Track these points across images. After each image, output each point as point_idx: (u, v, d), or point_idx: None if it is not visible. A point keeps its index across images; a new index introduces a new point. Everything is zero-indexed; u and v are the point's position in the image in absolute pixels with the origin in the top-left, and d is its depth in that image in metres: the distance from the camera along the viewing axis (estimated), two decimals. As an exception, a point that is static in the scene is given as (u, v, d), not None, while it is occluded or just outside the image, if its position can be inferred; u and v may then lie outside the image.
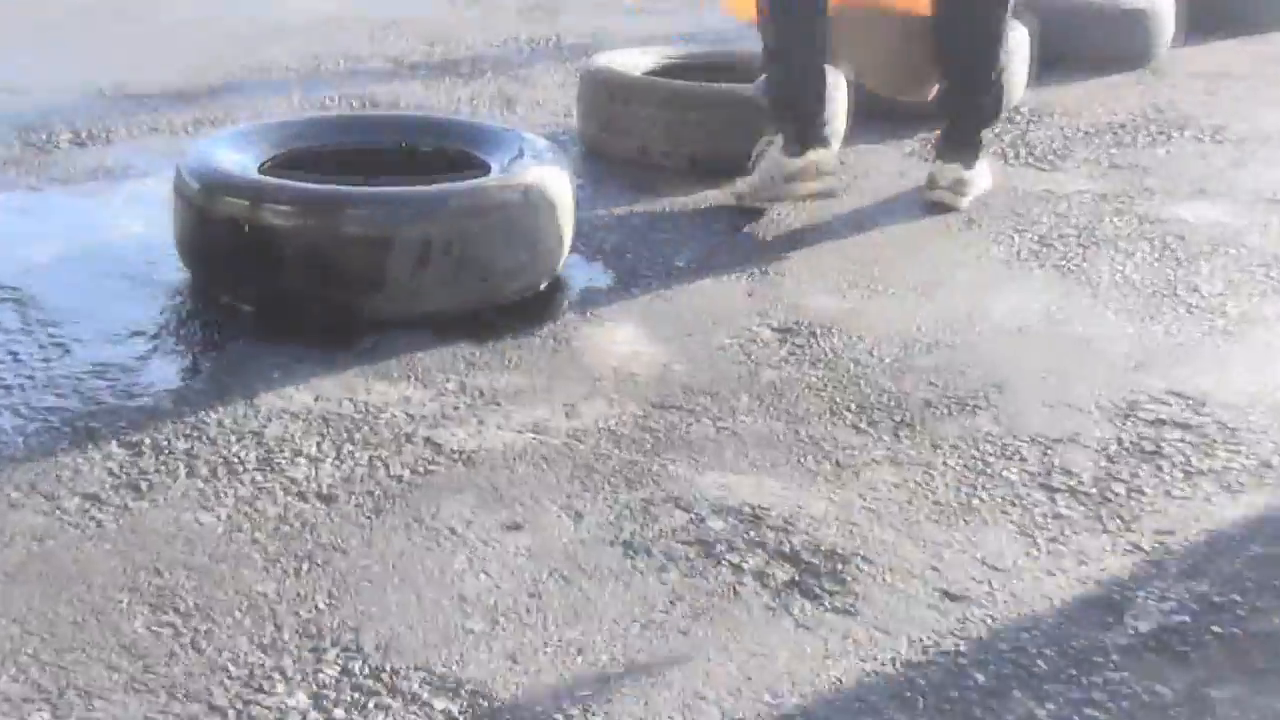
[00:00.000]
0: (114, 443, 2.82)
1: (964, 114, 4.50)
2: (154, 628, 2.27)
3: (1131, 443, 3.02)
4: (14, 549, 2.46)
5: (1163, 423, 3.11)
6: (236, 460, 2.78)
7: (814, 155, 4.38)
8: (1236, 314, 3.72)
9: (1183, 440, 3.04)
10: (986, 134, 4.59)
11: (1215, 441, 3.04)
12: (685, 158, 4.63)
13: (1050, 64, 5.79)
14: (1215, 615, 2.43)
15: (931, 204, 4.47)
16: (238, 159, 3.57)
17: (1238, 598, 2.48)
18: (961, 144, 4.50)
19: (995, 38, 4.38)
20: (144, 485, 2.67)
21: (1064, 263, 4.03)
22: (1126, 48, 6.18)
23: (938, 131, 4.60)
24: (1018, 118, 5.49)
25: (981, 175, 4.55)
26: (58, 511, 2.58)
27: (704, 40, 6.32)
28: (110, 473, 2.71)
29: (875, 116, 5.03)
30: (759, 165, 4.41)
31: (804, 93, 4.36)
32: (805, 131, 4.37)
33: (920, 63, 4.49)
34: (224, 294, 3.49)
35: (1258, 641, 2.37)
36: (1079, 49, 6.12)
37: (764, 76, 4.41)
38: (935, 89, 4.55)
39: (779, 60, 4.33)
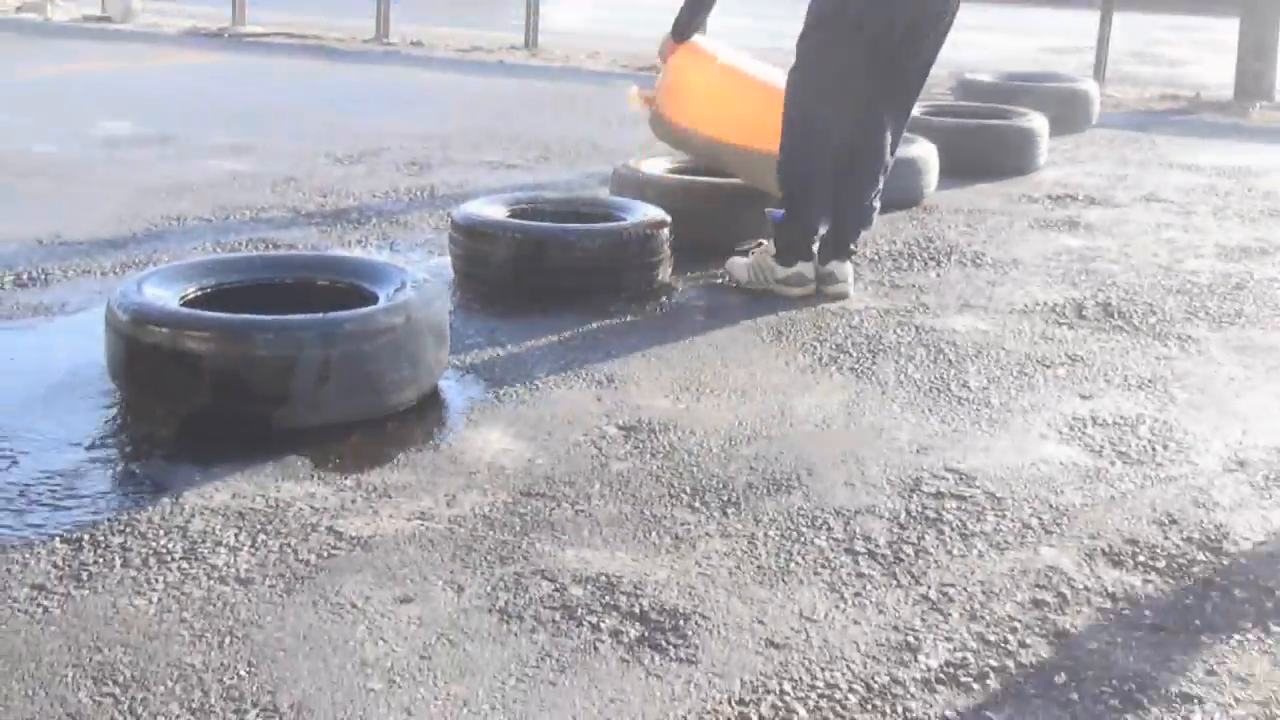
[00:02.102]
0: (57, 539, 2.77)
1: (857, 222, 4.97)
2: (96, 698, 2.23)
3: (917, 512, 3.08)
4: (-30, 634, 2.40)
5: (942, 495, 3.18)
6: (165, 551, 2.74)
7: (801, 267, 4.88)
8: (998, 404, 3.82)
9: (959, 509, 3.11)
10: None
11: (985, 509, 3.11)
12: (537, 284, 4.66)
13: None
14: (991, 651, 2.49)
15: (832, 296, 4.89)
16: (160, 294, 3.53)
17: (1009, 636, 2.55)
18: (850, 245, 4.99)
19: (886, 163, 4.93)
20: (85, 575, 2.62)
21: (857, 366, 4.12)
22: (901, 190, 6.30)
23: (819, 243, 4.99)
24: (815, 249, 5.59)
25: None
26: (9, 600, 2.52)
27: (554, 189, 6.38)
28: (55, 565, 2.66)
29: (699, 251, 5.13)
30: (755, 263, 4.93)
31: (814, 222, 4.89)
32: (803, 250, 4.88)
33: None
34: (150, 410, 3.44)
35: (1027, 672, 2.43)
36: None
37: (782, 207, 4.89)
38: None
39: (802, 193, 4.84)
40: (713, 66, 5.41)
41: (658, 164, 5.79)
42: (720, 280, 5.00)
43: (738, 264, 5.04)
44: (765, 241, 4.99)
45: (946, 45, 4.85)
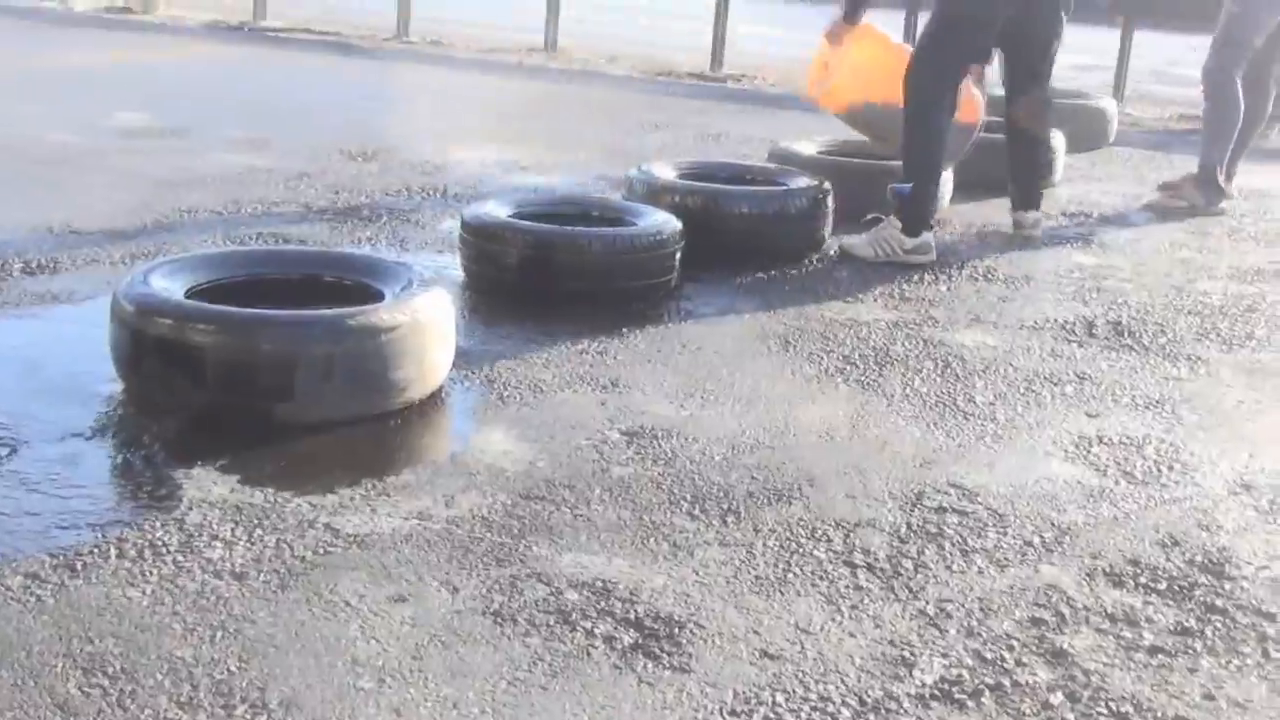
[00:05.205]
0: (53, 528, 2.76)
1: (1035, 176, 6.19)
2: (85, 689, 2.22)
3: (918, 526, 3.07)
4: (-39, 621, 2.39)
5: (944, 510, 3.17)
6: (160, 543, 2.73)
7: (926, 236, 5.60)
8: (1004, 420, 3.80)
9: (960, 524, 3.09)
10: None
11: (986, 525, 3.10)
12: (545, 287, 4.65)
13: (853, 217, 5.88)
14: (987, 669, 2.47)
15: (1025, 238, 6.12)
16: (167, 286, 3.52)
17: (1005, 654, 2.53)
18: (1033, 196, 6.17)
19: (1049, 130, 6.30)
20: (79, 565, 2.61)
21: (863, 378, 4.10)
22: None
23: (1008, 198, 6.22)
24: (827, 259, 5.59)
25: None
26: (2, 588, 2.51)
27: (567, 191, 6.37)
28: (49, 554, 2.65)
29: (714, 259, 5.12)
30: (878, 237, 5.57)
31: (936, 198, 5.71)
32: (928, 220, 5.61)
33: None
34: (152, 401, 3.43)
35: (1022, 690, 2.41)
36: (875, 205, 6.21)
37: (909, 185, 5.57)
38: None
39: (929, 168, 5.59)
40: (890, 44, 6.31)
41: (669, 168, 5.80)
42: (738, 284, 4.99)
43: (857, 242, 5.60)
44: (884, 217, 5.59)
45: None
